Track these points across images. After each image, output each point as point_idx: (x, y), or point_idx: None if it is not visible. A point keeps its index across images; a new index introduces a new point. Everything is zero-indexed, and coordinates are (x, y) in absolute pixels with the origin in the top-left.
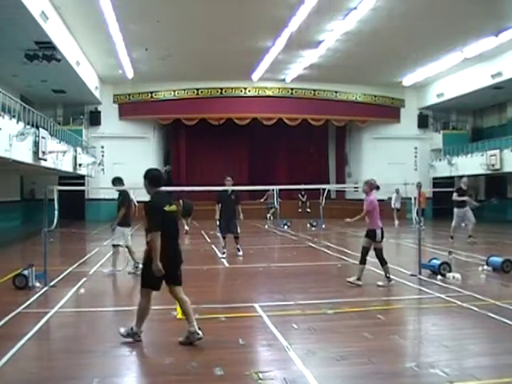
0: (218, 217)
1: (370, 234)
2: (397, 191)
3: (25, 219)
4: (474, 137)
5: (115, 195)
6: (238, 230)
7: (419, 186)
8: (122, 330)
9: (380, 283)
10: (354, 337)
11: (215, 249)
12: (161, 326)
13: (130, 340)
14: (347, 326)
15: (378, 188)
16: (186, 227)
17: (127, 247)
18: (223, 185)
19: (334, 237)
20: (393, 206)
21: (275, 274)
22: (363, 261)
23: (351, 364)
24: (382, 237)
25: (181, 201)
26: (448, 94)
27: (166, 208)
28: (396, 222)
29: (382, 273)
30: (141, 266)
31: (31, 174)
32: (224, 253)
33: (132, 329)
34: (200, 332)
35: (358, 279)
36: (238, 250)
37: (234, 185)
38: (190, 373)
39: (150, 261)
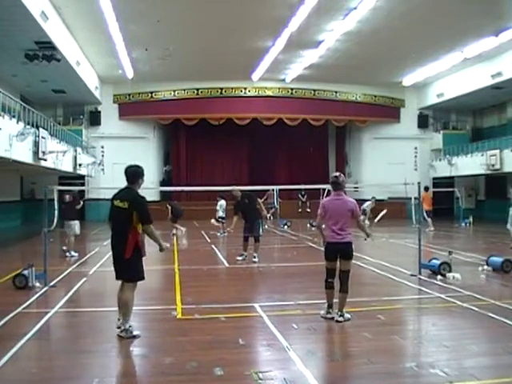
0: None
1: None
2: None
3: (25, 219)
4: (474, 137)
5: None
6: (261, 232)
7: (426, 188)
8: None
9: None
10: (353, 337)
11: (215, 249)
12: (161, 326)
13: (131, 338)
14: (347, 326)
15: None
16: (174, 231)
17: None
18: (224, 185)
19: None
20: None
21: (275, 274)
22: None
23: (351, 364)
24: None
25: (168, 205)
26: (448, 94)
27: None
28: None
29: (383, 273)
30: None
31: (31, 173)
32: (242, 255)
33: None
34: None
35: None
36: (255, 257)
37: (233, 185)
38: (189, 373)
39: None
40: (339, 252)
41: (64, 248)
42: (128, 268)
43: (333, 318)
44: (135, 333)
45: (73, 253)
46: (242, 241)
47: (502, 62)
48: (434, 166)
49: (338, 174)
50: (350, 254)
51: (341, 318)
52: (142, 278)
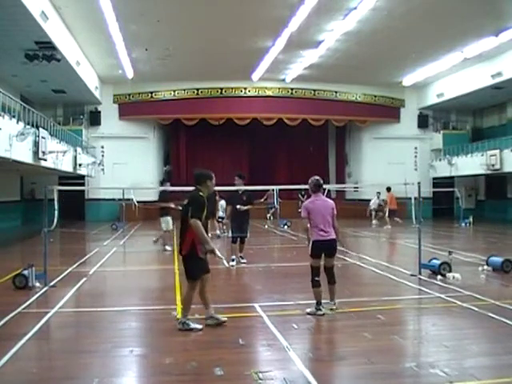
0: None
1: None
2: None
3: (25, 219)
4: (474, 137)
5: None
6: (248, 235)
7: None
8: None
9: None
10: (353, 337)
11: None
12: (161, 326)
13: (132, 339)
14: (347, 326)
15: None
16: (218, 231)
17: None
18: (228, 184)
19: None
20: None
21: (275, 274)
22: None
23: (351, 364)
24: None
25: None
26: (448, 94)
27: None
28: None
29: (382, 273)
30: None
31: (31, 173)
32: (234, 260)
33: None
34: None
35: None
36: (242, 258)
37: (234, 185)
38: (189, 373)
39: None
40: (325, 249)
41: (154, 239)
42: (184, 265)
43: (324, 315)
44: (193, 326)
45: (167, 247)
46: (231, 243)
47: (501, 61)
48: (434, 166)
49: (318, 177)
50: (335, 250)
51: (334, 306)
52: (196, 277)
